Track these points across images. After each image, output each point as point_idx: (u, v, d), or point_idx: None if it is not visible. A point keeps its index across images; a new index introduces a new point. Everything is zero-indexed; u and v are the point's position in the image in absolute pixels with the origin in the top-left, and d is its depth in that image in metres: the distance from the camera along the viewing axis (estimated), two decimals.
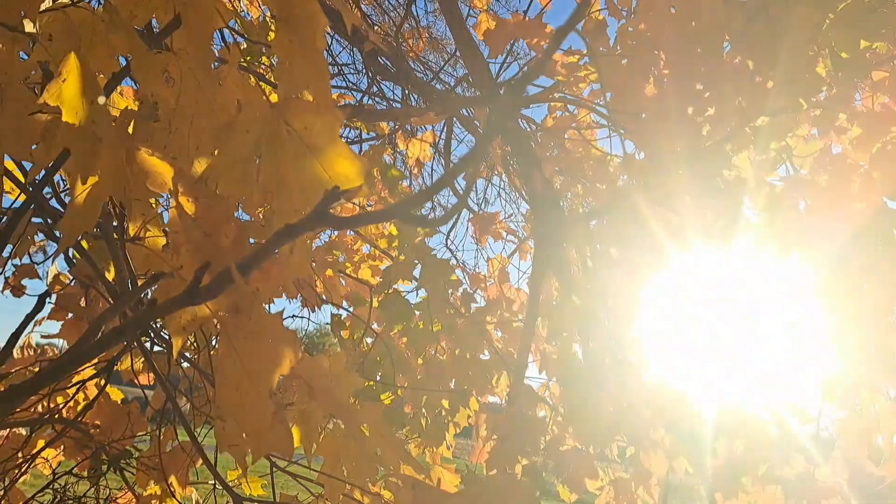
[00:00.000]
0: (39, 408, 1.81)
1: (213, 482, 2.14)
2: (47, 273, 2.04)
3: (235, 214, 0.79)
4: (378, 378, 2.61)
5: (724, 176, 2.46)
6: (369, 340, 2.73)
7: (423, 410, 2.65)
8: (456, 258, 3.67)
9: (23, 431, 1.76)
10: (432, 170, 3.22)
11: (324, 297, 3.13)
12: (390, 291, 2.33)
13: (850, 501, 1.96)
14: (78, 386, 1.63)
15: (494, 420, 2.56)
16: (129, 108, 1.25)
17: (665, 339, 2.86)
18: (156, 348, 1.80)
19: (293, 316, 2.74)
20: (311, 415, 1.28)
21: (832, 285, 2.27)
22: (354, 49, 3.03)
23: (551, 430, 2.54)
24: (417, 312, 2.46)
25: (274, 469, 1.32)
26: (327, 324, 3.24)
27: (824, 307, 2.35)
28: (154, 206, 0.86)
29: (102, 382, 1.67)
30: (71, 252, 1.78)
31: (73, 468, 1.64)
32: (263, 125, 0.78)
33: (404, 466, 1.08)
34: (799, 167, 2.56)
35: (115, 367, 1.66)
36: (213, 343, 2.36)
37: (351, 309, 3.09)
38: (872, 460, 2.26)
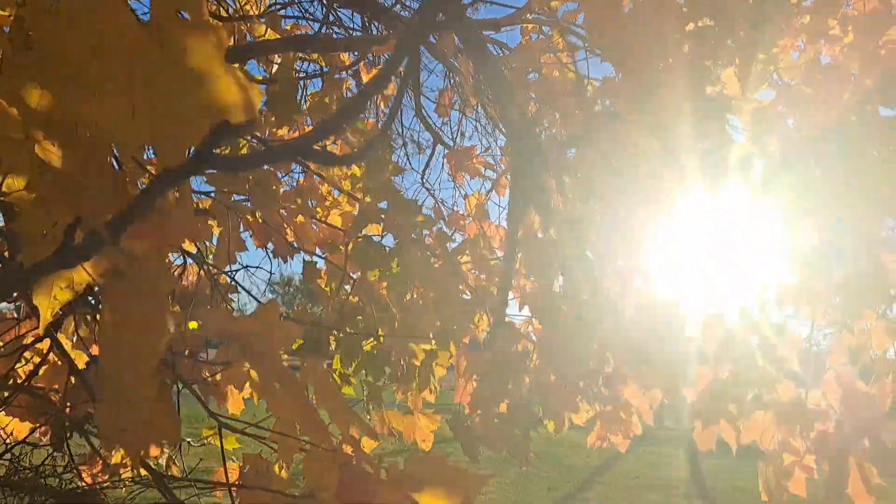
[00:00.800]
0: None
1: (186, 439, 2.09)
2: None
3: (111, 160, 0.67)
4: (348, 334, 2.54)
5: (706, 94, 2.31)
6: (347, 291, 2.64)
7: (405, 357, 2.58)
8: (434, 197, 3.53)
9: None
10: (402, 103, 3.04)
11: (295, 244, 3.02)
12: (360, 238, 2.22)
13: (843, 424, 1.92)
14: (20, 351, 1.54)
15: (475, 360, 2.50)
16: None
17: (650, 266, 2.79)
18: None
19: (245, 266, 2.63)
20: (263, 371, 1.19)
21: (823, 201, 2.18)
22: None
23: (534, 365, 2.48)
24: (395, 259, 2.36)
25: (224, 430, 1.24)
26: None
27: (815, 223, 2.27)
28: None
29: (47, 347, 1.57)
30: None
31: (27, 436, 1.57)
32: (135, 50, 0.66)
33: (352, 428, 1.00)
34: (788, 80, 2.41)
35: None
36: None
37: (325, 256, 2.98)
38: (864, 378, 2.22)
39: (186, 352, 1.58)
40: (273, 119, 1.93)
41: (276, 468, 1.30)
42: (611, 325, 2.20)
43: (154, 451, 1.83)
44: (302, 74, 2.44)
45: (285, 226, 3.10)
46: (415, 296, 2.65)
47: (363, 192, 2.05)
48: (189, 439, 2.07)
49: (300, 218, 2.93)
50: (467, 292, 2.63)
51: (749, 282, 2.33)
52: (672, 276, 2.62)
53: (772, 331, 2.06)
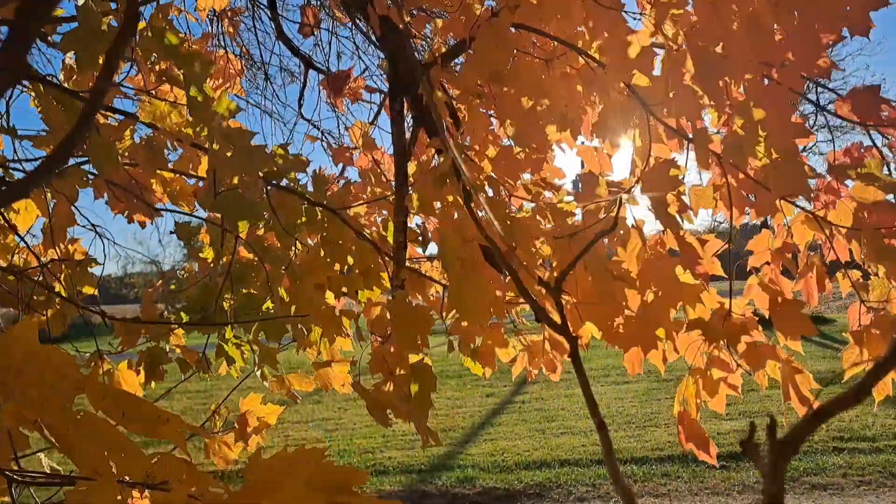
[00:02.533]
0: None
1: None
2: None
3: None
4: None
5: None
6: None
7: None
8: (318, 128, 3.17)
9: None
10: (255, 22, 2.62)
11: (165, 204, 2.65)
12: (223, 190, 1.88)
13: (770, 334, 1.78)
14: None
15: (380, 314, 2.25)
16: None
17: (559, 179, 2.57)
18: None
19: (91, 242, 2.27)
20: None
21: (731, 89, 1.98)
22: None
23: (446, 306, 2.26)
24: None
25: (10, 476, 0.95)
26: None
27: (725, 114, 2.08)
28: None
29: None
30: None
31: None
32: None
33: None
34: None
35: None
36: None
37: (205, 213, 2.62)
38: (789, 273, 2.09)
39: None
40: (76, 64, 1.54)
41: None
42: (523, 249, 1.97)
43: None
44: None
45: (153, 184, 2.70)
46: (304, 245, 2.35)
47: (207, 138, 1.70)
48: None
49: (167, 174, 2.54)
50: (361, 235, 2.34)
51: (660, 181, 2.13)
52: (584, 189, 2.40)
53: (692, 240, 1.88)
